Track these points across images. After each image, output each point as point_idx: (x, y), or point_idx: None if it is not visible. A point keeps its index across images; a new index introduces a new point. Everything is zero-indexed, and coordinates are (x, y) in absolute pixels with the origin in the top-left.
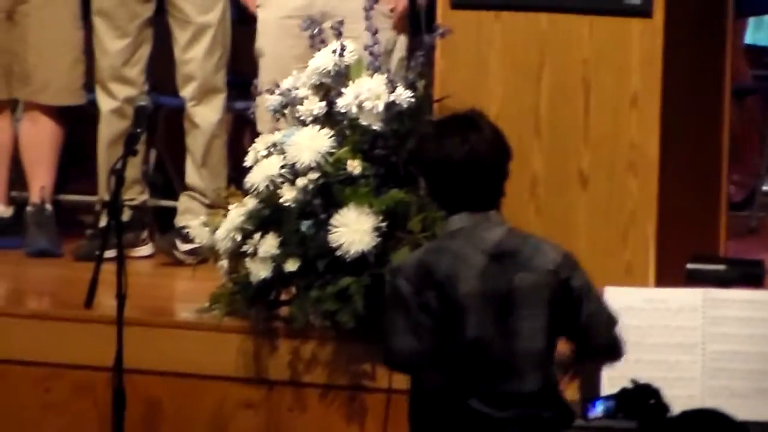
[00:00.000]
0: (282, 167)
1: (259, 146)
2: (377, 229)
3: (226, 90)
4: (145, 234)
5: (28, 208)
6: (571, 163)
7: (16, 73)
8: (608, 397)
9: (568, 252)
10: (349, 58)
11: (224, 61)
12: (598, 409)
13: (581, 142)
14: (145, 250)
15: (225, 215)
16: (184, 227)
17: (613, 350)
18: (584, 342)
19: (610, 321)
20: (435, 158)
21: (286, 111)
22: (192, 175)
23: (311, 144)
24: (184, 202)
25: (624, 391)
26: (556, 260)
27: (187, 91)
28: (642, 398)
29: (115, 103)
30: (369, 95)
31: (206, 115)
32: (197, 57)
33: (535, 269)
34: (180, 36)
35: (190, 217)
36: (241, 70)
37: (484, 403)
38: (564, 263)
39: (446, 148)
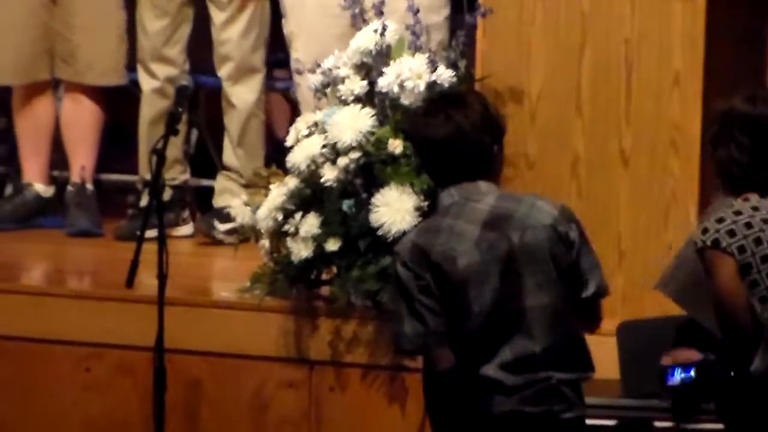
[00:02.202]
0: (323, 147)
1: (300, 126)
2: (418, 208)
3: (265, 69)
4: (186, 213)
5: (69, 188)
6: (612, 142)
7: (60, 53)
8: (688, 367)
9: (564, 205)
10: (390, 37)
11: (262, 40)
12: (677, 378)
13: (623, 122)
14: (186, 229)
15: (265, 194)
16: (222, 207)
17: (593, 316)
18: (577, 292)
19: (602, 285)
20: (419, 136)
21: (327, 90)
22: (229, 154)
23: (352, 123)
24: (221, 182)
25: (704, 362)
26: (553, 214)
27: (224, 71)
28: (722, 371)
29: (156, 82)
30: (410, 75)
31: (243, 95)
32: (233, 37)
33: (532, 226)
34: (216, 16)
35: (228, 197)
36: (285, 49)
37: (495, 371)
38: (561, 217)
39: (430, 126)
